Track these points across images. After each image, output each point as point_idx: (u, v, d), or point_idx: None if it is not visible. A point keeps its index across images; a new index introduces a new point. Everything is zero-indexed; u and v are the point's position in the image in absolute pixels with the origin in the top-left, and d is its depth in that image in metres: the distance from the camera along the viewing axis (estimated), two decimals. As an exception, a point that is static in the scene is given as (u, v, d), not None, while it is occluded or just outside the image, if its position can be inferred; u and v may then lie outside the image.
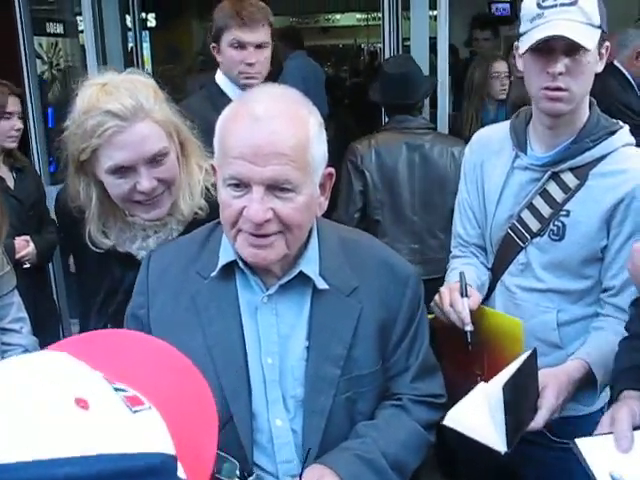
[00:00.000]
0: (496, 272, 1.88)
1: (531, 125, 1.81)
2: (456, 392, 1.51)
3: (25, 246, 3.10)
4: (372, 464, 1.34)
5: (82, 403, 0.54)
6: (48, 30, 5.15)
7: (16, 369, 0.58)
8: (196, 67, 5.45)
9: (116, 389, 0.59)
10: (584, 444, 1.32)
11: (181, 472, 0.59)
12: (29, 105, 4.08)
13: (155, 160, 1.60)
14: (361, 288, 1.40)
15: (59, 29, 5.29)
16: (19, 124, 3.21)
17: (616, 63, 3.76)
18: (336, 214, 3.07)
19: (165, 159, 1.62)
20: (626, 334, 1.56)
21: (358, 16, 14.08)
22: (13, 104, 3.21)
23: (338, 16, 14.41)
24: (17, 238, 3.04)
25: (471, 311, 1.63)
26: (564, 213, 1.74)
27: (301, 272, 1.36)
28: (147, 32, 8.19)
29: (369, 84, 3.53)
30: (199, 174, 1.74)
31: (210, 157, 1.47)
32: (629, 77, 3.76)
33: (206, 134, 1.61)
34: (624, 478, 1.24)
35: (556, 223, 1.74)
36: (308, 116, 1.28)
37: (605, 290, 1.74)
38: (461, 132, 3.81)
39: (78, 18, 5.16)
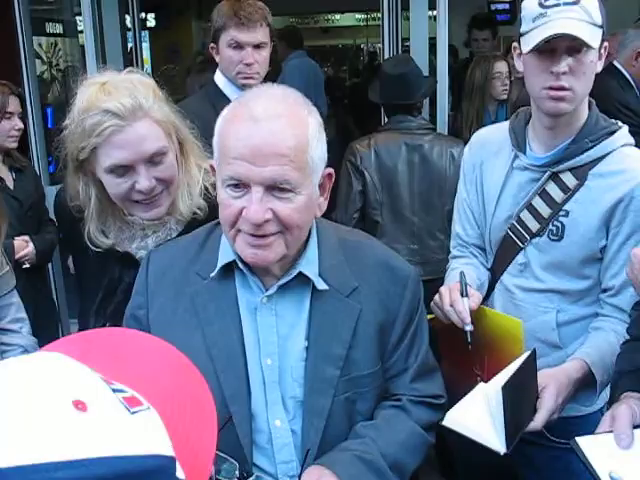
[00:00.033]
0: (495, 272, 1.88)
1: (530, 125, 1.81)
2: (456, 392, 1.51)
3: (24, 246, 3.10)
4: (371, 465, 1.34)
5: (80, 405, 0.54)
6: (47, 30, 5.15)
7: (13, 372, 0.58)
8: (196, 67, 5.45)
9: (114, 390, 0.59)
10: (584, 442, 1.32)
11: (180, 472, 0.59)
12: (28, 105, 4.08)
13: (154, 159, 1.60)
14: (360, 289, 1.40)
15: (58, 29, 5.29)
16: (20, 124, 3.22)
17: (615, 63, 3.76)
18: (335, 214, 3.07)
19: (164, 158, 1.62)
20: (625, 334, 1.57)
21: (358, 16, 14.09)
22: (13, 104, 3.21)
23: (338, 16, 14.42)
24: (16, 238, 3.05)
25: (471, 311, 1.63)
26: (563, 213, 1.74)
27: (300, 273, 1.36)
28: (147, 32, 8.20)
29: (369, 84, 3.53)
30: (198, 174, 1.74)
31: (209, 157, 1.47)
32: (628, 77, 3.76)
33: (205, 134, 1.61)
34: (623, 479, 1.24)
35: (555, 223, 1.74)
36: (307, 116, 1.28)
37: (604, 290, 1.74)
38: (460, 132, 3.81)
39: (78, 18, 5.16)
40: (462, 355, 1.65)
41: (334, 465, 1.31)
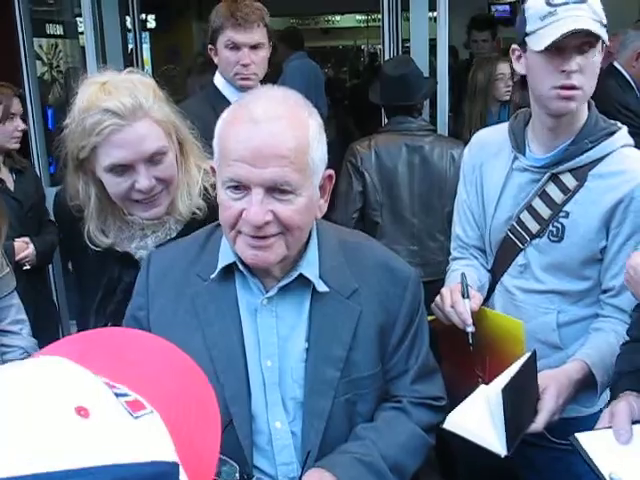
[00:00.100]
0: (496, 274, 1.88)
1: (530, 126, 1.80)
2: (456, 394, 1.51)
3: (25, 248, 3.10)
4: (371, 467, 1.34)
5: (83, 412, 0.54)
6: (48, 31, 5.16)
7: (14, 378, 0.57)
8: (196, 68, 5.45)
9: (117, 394, 0.59)
10: (584, 438, 1.33)
11: (183, 476, 0.59)
12: (29, 106, 4.08)
13: (153, 159, 1.60)
14: (361, 290, 1.40)
15: (59, 30, 5.29)
16: (22, 125, 3.23)
17: (616, 64, 3.75)
18: (335, 214, 3.07)
19: (163, 158, 1.62)
20: (626, 335, 1.56)
21: (358, 17, 14.09)
22: (15, 105, 3.22)
23: (338, 17, 14.43)
24: (17, 240, 3.04)
25: (472, 312, 1.63)
26: (563, 214, 1.73)
27: (301, 274, 1.36)
28: (147, 33, 8.20)
29: (369, 85, 3.53)
30: (197, 174, 1.74)
31: (209, 158, 1.47)
32: (628, 78, 3.76)
33: (205, 136, 1.61)
34: (623, 479, 1.25)
35: (555, 224, 1.74)
36: (308, 118, 1.28)
37: (605, 291, 1.74)
38: (460, 133, 3.80)
39: (78, 19, 5.16)
40: (462, 356, 1.65)
41: (334, 467, 1.31)
